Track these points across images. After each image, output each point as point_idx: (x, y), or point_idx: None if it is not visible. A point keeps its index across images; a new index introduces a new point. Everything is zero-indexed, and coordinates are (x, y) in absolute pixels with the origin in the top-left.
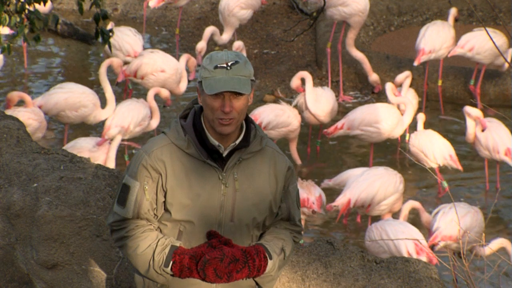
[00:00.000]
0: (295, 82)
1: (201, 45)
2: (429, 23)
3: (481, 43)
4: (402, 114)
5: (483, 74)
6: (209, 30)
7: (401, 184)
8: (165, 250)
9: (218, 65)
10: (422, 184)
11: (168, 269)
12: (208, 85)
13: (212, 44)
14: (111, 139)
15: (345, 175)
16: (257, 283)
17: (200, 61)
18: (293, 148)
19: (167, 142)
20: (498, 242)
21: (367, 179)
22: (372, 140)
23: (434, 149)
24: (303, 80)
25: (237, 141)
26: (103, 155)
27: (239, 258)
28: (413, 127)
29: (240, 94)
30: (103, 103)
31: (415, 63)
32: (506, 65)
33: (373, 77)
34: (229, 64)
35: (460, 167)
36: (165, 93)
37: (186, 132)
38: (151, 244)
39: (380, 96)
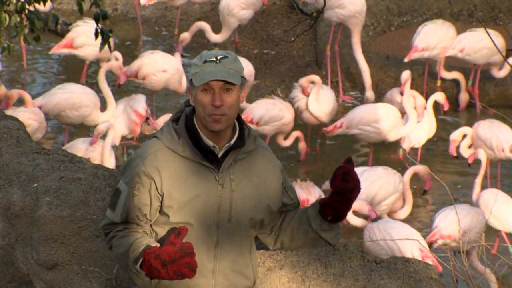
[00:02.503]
0: (304, 83)
1: (185, 36)
2: (428, 22)
3: (471, 44)
4: (402, 116)
5: (483, 75)
6: (198, 25)
7: (401, 184)
8: (139, 249)
9: (208, 60)
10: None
11: (138, 267)
12: (197, 77)
13: (212, 44)
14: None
15: None
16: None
17: (180, 50)
18: (281, 139)
19: (160, 147)
20: (487, 272)
21: (366, 179)
22: (371, 140)
23: (404, 129)
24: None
25: (232, 141)
26: (100, 156)
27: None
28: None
29: (230, 85)
30: (103, 106)
31: (406, 59)
32: (507, 68)
33: (369, 94)
34: (219, 58)
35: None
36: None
37: (180, 135)
38: (132, 242)
39: (380, 96)
